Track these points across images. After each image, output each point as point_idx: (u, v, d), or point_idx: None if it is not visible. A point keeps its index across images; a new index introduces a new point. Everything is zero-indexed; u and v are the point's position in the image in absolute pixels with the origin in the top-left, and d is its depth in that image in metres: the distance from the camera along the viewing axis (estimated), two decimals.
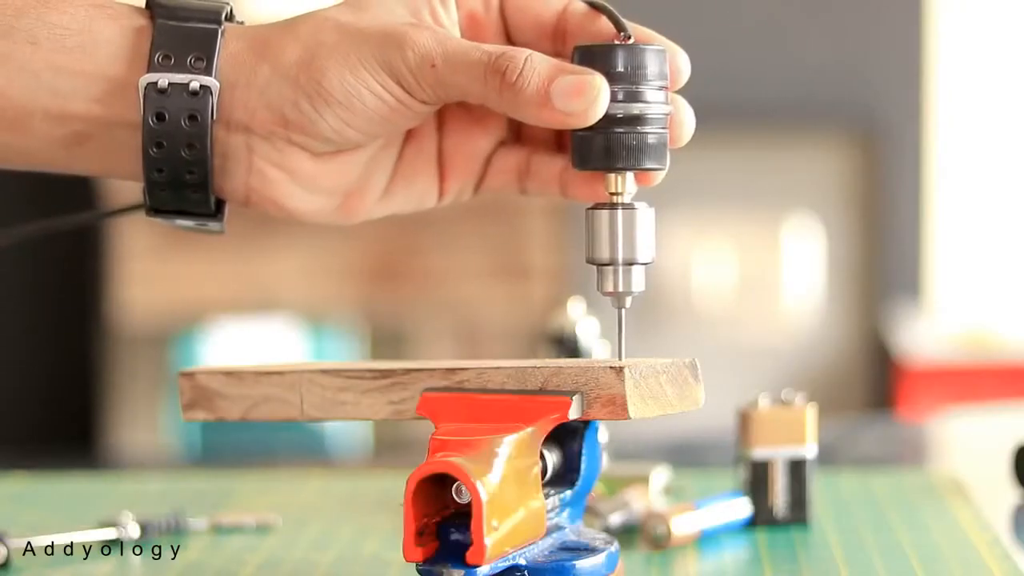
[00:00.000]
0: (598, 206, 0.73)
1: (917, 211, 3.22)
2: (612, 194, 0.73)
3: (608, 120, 0.72)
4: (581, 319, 0.91)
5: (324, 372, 0.75)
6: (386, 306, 3.19)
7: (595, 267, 0.73)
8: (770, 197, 3.21)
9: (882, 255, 3.21)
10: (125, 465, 3.00)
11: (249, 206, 0.78)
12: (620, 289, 0.73)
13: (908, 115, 3.21)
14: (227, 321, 3.20)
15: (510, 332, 3.17)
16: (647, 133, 0.72)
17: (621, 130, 0.72)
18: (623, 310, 0.74)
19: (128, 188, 0.81)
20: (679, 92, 0.76)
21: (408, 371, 0.74)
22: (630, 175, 0.73)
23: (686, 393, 0.72)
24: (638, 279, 0.73)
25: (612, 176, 0.73)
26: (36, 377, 3.37)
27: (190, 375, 0.78)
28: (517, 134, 0.80)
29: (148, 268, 3.08)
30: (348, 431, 3.15)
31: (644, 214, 0.73)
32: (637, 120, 0.72)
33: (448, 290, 3.18)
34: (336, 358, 3.13)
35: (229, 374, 0.77)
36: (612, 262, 0.73)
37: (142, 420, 3.23)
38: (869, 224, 3.22)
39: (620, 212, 0.73)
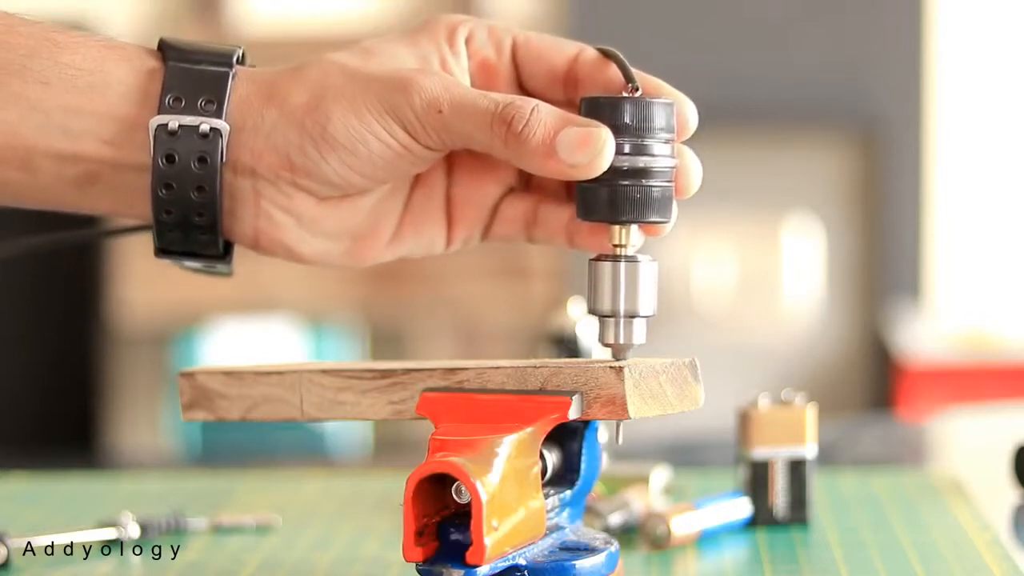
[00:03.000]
0: (601, 257, 0.73)
1: (917, 211, 3.22)
2: (616, 246, 0.73)
3: (613, 172, 0.72)
4: (581, 319, 0.91)
5: (324, 372, 0.75)
6: (386, 306, 3.19)
7: (597, 318, 0.73)
8: (770, 197, 3.21)
9: (882, 255, 3.21)
10: (125, 465, 3.00)
11: (258, 249, 0.78)
12: (621, 342, 0.73)
13: (908, 115, 3.21)
14: (227, 321, 3.20)
15: (510, 332, 3.18)
16: (652, 186, 0.72)
17: (626, 183, 0.72)
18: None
19: None
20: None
21: (408, 371, 0.74)
22: (634, 228, 0.73)
23: (686, 393, 0.72)
24: (639, 332, 0.73)
25: (616, 228, 0.73)
26: (36, 377, 3.37)
27: (190, 375, 0.78)
28: (526, 183, 0.80)
29: (148, 268, 3.08)
30: (348, 431, 3.15)
31: (647, 268, 0.73)
32: (642, 173, 0.72)
33: (448, 290, 3.18)
34: (336, 358, 3.13)
35: (229, 374, 0.77)
36: (614, 314, 0.73)
37: (142, 420, 3.23)
38: (869, 224, 3.22)
39: (623, 265, 0.73)
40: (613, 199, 0.72)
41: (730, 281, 3.22)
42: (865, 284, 3.23)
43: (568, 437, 0.73)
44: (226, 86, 0.75)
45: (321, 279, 3.14)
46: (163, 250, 0.77)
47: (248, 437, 3.02)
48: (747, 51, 3.21)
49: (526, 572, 0.69)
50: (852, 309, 3.23)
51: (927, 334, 3.04)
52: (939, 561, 0.79)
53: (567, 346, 0.90)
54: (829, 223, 3.21)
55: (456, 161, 0.79)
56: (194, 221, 0.75)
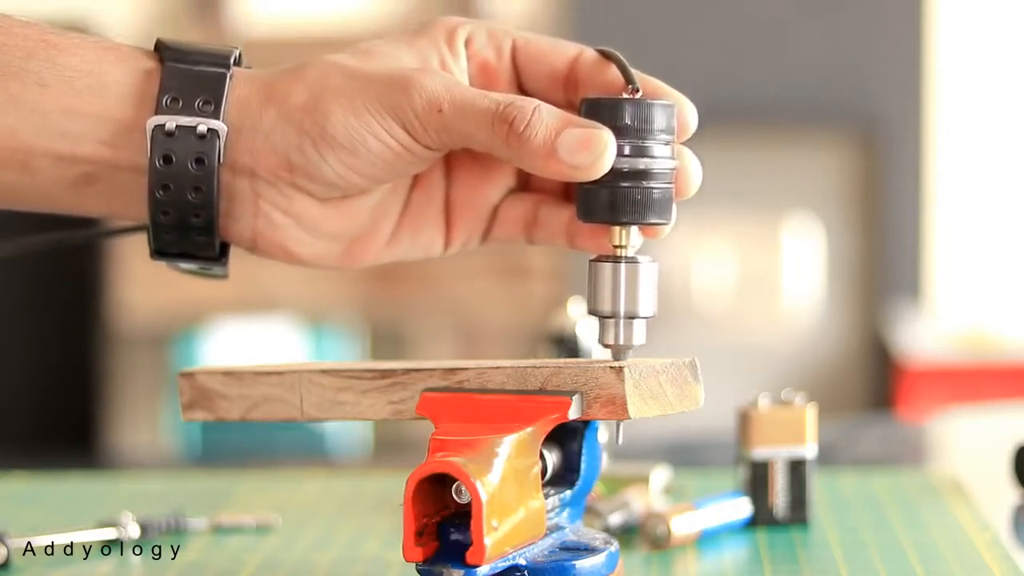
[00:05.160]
0: (601, 258, 0.73)
1: (917, 211, 3.22)
2: (616, 247, 0.73)
3: (614, 174, 0.72)
4: (581, 319, 0.91)
5: (324, 372, 0.75)
6: (386, 306, 3.19)
7: (597, 319, 0.73)
8: (770, 197, 3.21)
9: (882, 255, 3.21)
10: (125, 465, 3.00)
11: (256, 251, 0.78)
12: (621, 342, 0.73)
13: (908, 115, 3.21)
14: (227, 321, 3.20)
15: (510, 332, 3.18)
16: (652, 188, 0.72)
17: (626, 184, 0.72)
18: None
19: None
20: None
21: (408, 371, 0.74)
22: (634, 229, 0.73)
23: (686, 393, 0.72)
24: (639, 333, 0.73)
25: (616, 229, 0.73)
26: (36, 377, 3.37)
27: (190, 375, 0.78)
28: (525, 184, 0.79)
29: (148, 268, 3.08)
30: (348, 431, 3.16)
31: (647, 268, 0.73)
32: (643, 175, 0.72)
33: (448, 290, 3.18)
34: (336, 358, 3.13)
35: (229, 374, 0.77)
36: (614, 315, 0.73)
37: (142, 420, 3.23)
38: (869, 224, 3.22)
39: (623, 266, 0.73)
40: (613, 200, 0.72)
41: (730, 281, 3.22)
42: (865, 284, 3.23)
43: (568, 437, 0.73)
44: (224, 87, 0.75)
45: (321, 279, 3.14)
46: (159, 251, 0.77)
47: (248, 437, 3.02)
48: (747, 51, 3.21)
49: (526, 572, 0.69)
50: (852, 309, 3.23)
51: (927, 334, 3.04)
52: (939, 561, 0.79)
53: (567, 346, 0.90)
54: (829, 223, 3.21)
55: (455, 164, 0.78)
56: (191, 222, 0.75)
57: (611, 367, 0.70)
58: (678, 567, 0.80)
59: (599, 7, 3.14)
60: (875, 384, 3.17)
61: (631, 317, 0.73)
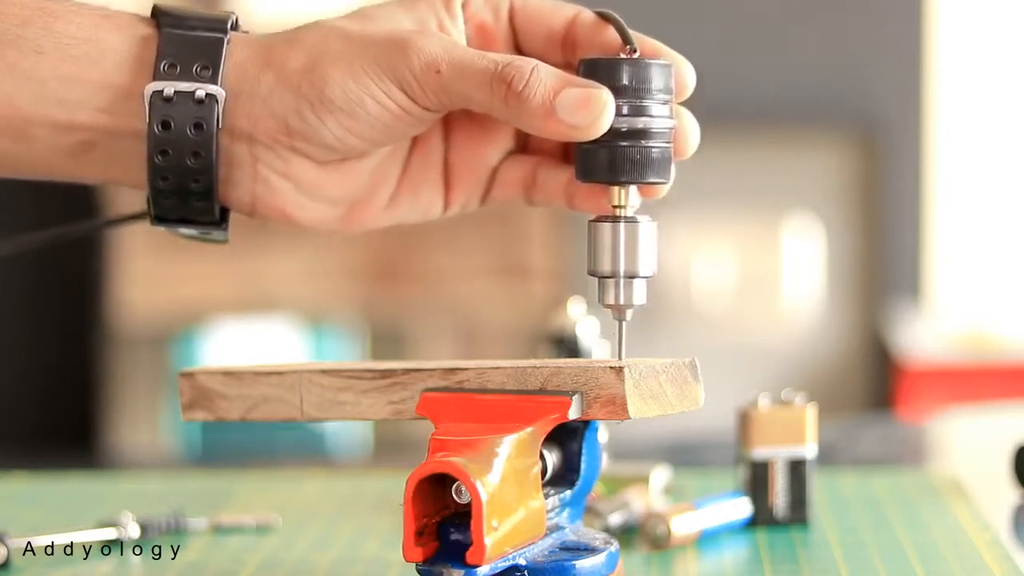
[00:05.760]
0: (601, 218, 0.73)
1: (917, 211, 3.22)
2: (615, 207, 0.73)
3: (612, 133, 0.72)
4: (581, 319, 0.91)
5: (324, 372, 0.75)
6: (386, 306, 3.19)
7: (596, 279, 0.73)
8: (770, 197, 3.21)
9: (882, 255, 3.21)
10: (125, 465, 3.00)
11: (255, 215, 0.78)
12: (621, 302, 0.73)
13: (908, 115, 3.21)
14: (227, 321, 3.20)
15: (510, 332, 3.17)
16: (651, 147, 0.72)
17: (625, 144, 0.72)
18: (623, 322, 0.74)
19: (130, 197, 0.82)
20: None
21: (408, 371, 0.74)
22: (633, 188, 0.73)
23: (686, 393, 0.72)
24: (639, 292, 0.73)
25: (615, 189, 0.73)
26: (36, 377, 3.37)
27: (190, 375, 0.78)
28: (523, 145, 0.80)
29: (148, 268, 3.08)
30: (348, 431, 3.15)
31: (646, 228, 0.73)
32: (641, 134, 0.72)
33: (448, 290, 3.18)
34: (336, 358, 3.13)
35: (229, 374, 0.77)
36: (614, 274, 0.73)
37: (142, 420, 3.23)
38: (869, 224, 3.22)
39: (623, 225, 0.73)
40: (612, 160, 0.72)
41: (730, 281, 3.22)
42: (865, 284, 3.23)
43: (568, 437, 0.73)
44: (221, 51, 0.75)
45: (321, 279, 3.14)
46: (159, 218, 0.77)
47: (248, 437, 3.02)
48: (747, 51, 3.21)
49: (526, 572, 0.69)
50: (852, 309, 3.23)
51: (927, 334, 3.04)
52: (939, 561, 0.79)
53: (567, 346, 0.90)
54: (829, 223, 3.21)
55: (453, 126, 0.79)
56: (191, 187, 0.75)
57: (611, 367, 0.70)
58: (678, 567, 0.80)
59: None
60: (875, 384, 3.17)
61: (631, 276, 0.73)
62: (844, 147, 3.21)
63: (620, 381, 0.70)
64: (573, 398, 0.70)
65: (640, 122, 0.72)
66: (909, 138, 3.21)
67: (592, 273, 0.73)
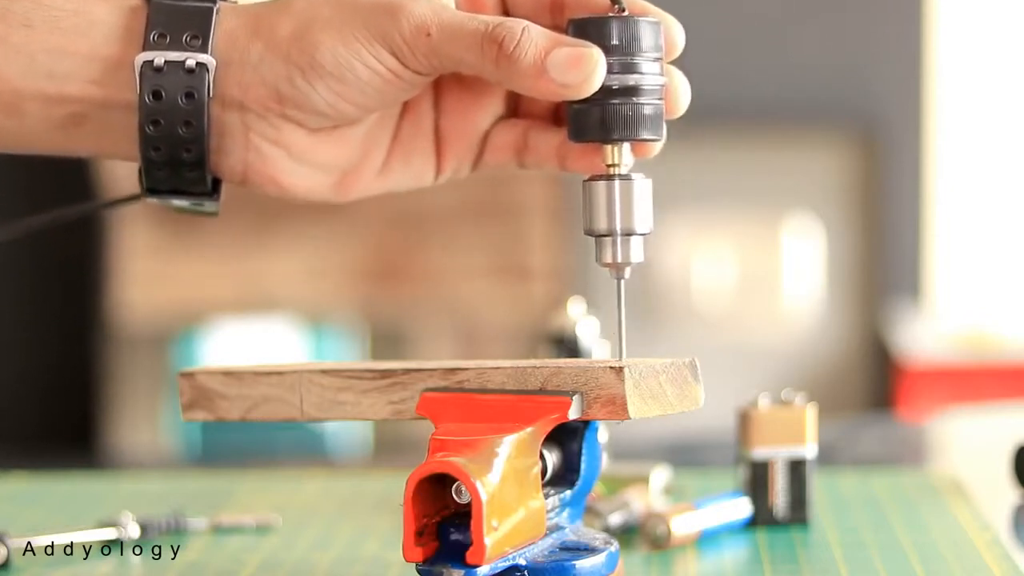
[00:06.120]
0: (595, 177, 0.74)
1: (917, 211, 3.22)
2: (609, 166, 0.73)
3: (604, 92, 0.72)
4: (581, 319, 0.91)
5: (324, 372, 0.75)
6: (386, 306, 3.19)
7: (593, 239, 0.73)
8: (770, 197, 3.21)
9: (882, 255, 3.21)
10: (125, 465, 3.00)
11: (247, 184, 0.78)
12: (619, 260, 0.73)
13: (908, 115, 3.21)
14: (227, 321, 3.20)
15: (510, 332, 3.17)
16: (643, 104, 0.73)
17: (617, 101, 0.72)
18: (622, 281, 0.74)
19: (125, 179, 0.82)
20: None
21: (408, 371, 0.74)
22: (627, 146, 0.73)
23: (686, 393, 0.72)
24: (636, 249, 0.73)
25: (609, 147, 0.73)
26: (36, 377, 3.37)
27: (190, 375, 0.78)
28: (514, 109, 0.80)
29: (148, 268, 3.08)
30: (348, 431, 3.15)
31: (641, 184, 0.73)
32: (633, 91, 0.72)
33: (448, 290, 3.18)
34: (336, 358, 3.13)
35: (229, 374, 0.77)
36: (610, 233, 0.73)
37: (142, 420, 3.23)
38: (869, 224, 3.22)
39: (617, 183, 0.73)
40: (604, 118, 0.72)
41: (730, 281, 3.22)
42: (865, 284, 3.23)
43: (568, 437, 0.73)
44: (211, 20, 0.75)
45: (321, 279, 3.14)
46: (151, 189, 0.77)
47: (248, 437, 3.01)
48: (747, 51, 3.21)
49: (526, 572, 0.69)
50: (852, 309, 3.23)
51: (927, 334, 3.04)
52: (939, 561, 0.79)
53: (567, 346, 0.90)
54: (829, 223, 3.21)
55: (444, 91, 0.79)
56: (183, 157, 0.75)
57: (611, 367, 0.70)
58: (678, 567, 0.80)
59: None
60: (875, 384, 3.17)
61: (628, 234, 0.73)
62: (844, 147, 3.21)
63: (620, 381, 0.70)
64: (573, 398, 0.70)
65: (631, 79, 0.72)
66: (909, 138, 3.20)
67: (589, 232, 0.73)
